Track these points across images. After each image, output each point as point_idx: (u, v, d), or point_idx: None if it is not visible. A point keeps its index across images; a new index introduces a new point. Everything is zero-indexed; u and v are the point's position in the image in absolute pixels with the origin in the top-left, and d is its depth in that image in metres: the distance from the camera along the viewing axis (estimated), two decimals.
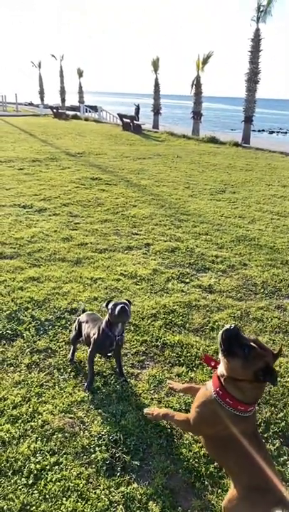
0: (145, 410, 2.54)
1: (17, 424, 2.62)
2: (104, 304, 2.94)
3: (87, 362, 3.04)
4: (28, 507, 2.13)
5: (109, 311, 2.85)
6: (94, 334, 2.99)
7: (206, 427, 2.02)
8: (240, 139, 19.86)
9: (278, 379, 3.10)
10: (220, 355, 1.86)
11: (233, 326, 1.82)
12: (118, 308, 2.78)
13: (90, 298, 4.20)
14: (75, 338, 3.26)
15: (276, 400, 2.95)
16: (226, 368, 1.82)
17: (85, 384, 2.99)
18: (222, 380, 1.87)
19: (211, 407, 1.89)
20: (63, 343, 3.48)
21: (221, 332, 1.83)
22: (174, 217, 7.14)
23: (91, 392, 2.94)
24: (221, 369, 1.87)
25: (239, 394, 1.83)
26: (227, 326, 1.83)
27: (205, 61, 22.22)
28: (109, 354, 3.22)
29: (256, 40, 19.56)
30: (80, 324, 3.22)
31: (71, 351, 3.29)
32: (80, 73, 35.68)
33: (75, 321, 3.36)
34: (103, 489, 2.25)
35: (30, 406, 2.78)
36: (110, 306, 2.85)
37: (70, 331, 3.66)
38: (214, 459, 2.32)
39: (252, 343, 1.78)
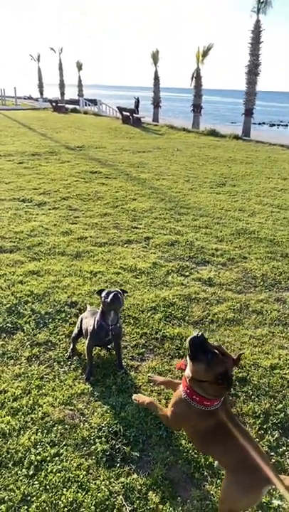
0: (134, 396, 2.53)
1: (17, 416, 2.64)
2: (96, 293, 2.99)
3: (86, 353, 3.06)
4: (29, 497, 2.15)
5: (102, 299, 2.89)
6: (90, 326, 3.04)
7: (180, 422, 2.15)
8: (241, 131, 19.76)
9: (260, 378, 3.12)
10: (187, 359, 2.02)
11: (200, 333, 1.97)
12: (111, 296, 2.82)
13: (89, 291, 4.21)
14: (75, 337, 3.27)
15: (275, 391, 2.97)
16: (191, 371, 1.99)
17: (85, 375, 3.03)
18: (187, 380, 2.04)
19: (182, 405, 2.06)
20: (63, 336, 3.50)
21: (188, 339, 1.98)
22: (173, 210, 7.12)
23: (91, 384, 2.96)
24: (188, 371, 2.03)
25: (203, 392, 1.98)
26: (194, 334, 1.98)
27: (205, 53, 22.05)
28: (108, 346, 3.23)
29: (256, 31, 19.38)
30: (81, 321, 3.25)
31: (70, 348, 3.29)
32: (80, 66, 35.43)
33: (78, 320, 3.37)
34: (103, 480, 2.26)
35: (31, 398, 2.80)
36: (103, 294, 2.89)
37: (73, 326, 3.67)
38: (204, 453, 2.33)
39: (215, 350, 1.94)
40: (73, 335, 3.30)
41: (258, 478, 1.84)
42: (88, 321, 3.13)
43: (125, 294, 3.05)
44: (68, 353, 3.27)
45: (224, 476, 2.04)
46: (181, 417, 2.09)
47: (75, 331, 3.29)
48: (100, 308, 2.98)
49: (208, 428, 2.01)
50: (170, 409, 2.14)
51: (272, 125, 42.44)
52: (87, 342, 3.05)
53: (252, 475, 1.86)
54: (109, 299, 2.83)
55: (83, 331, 3.18)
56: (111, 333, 2.96)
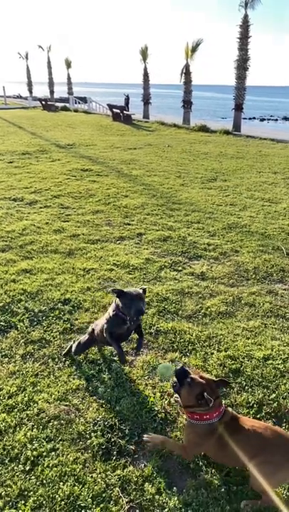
0: (145, 437, 2.48)
1: (13, 413, 2.65)
2: (113, 293, 2.74)
3: (111, 343, 2.87)
4: (26, 492, 2.17)
5: (122, 305, 2.66)
6: (104, 319, 2.87)
7: (198, 447, 2.34)
8: (231, 127, 19.79)
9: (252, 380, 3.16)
10: (176, 392, 2.39)
11: (181, 365, 2.45)
12: (134, 311, 2.59)
13: (82, 288, 4.22)
14: (84, 346, 3.10)
15: (268, 381, 3.00)
16: (181, 400, 2.36)
17: (119, 360, 2.94)
18: (184, 409, 2.37)
19: (191, 430, 2.32)
20: (57, 333, 3.51)
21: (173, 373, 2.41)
22: (165, 206, 7.14)
23: (86, 379, 2.97)
24: (180, 402, 2.42)
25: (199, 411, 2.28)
26: (178, 367, 2.39)
27: (194, 49, 22.03)
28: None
29: (244, 26, 19.40)
30: (92, 330, 3.06)
31: (68, 347, 3.21)
32: (69, 64, 35.26)
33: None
34: (99, 473, 2.29)
35: (26, 395, 2.81)
36: (124, 301, 2.64)
37: (66, 323, 3.68)
38: (231, 465, 2.33)
39: (194, 376, 2.30)
40: (84, 341, 3.10)
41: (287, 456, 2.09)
42: (100, 321, 2.98)
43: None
44: (64, 351, 3.21)
45: (252, 465, 2.13)
46: (195, 440, 2.31)
47: (86, 336, 3.11)
48: (116, 304, 2.74)
49: (221, 441, 2.22)
50: (185, 440, 2.38)
51: (262, 119, 42.60)
52: (106, 334, 2.83)
53: (281, 453, 2.10)
54: (132, 314, 2.60)
55: (96, 335, 3.00)
56: (130, 322, 2.72)
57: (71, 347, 3.19)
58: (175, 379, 2.35)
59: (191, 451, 2.34)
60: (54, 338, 3.46)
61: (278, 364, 3.19)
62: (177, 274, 4.67)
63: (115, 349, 2.91)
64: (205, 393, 2.19)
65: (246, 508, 2.10)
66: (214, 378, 2.36)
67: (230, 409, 2.42)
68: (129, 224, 6.24)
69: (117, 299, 2.74)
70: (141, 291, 2.70)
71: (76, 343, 3.15)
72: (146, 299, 4.01)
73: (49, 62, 36.87)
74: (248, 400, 2.82)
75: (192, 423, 2.30)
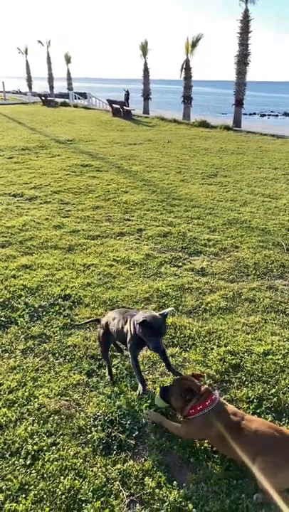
0: (145, 413, 2.63)
1: (13, 408, 2.66)
2: (137, 322, 2.53)
3: (131, 362, 2.73)
4: (27, 486, 2.18)
5: (142, 334, 2.51)
6: (128, 331, 2.67)
7: (197, 435, 2.47)
8: (232, 122, 19.72)
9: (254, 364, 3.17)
10: (169, 404, 2.59)
11: (161, 387, 2.67)
12: (151, 346, 2.50)
13: (83, 284, 4.22)
14: (106, 347, 2.97)
15: (268, 377, 3.01)
16: (175, 406, 2.53)
17: (140, 388, 2.71)
18: (182, 413, 2.50)
19: (190, 423, 2.43)
20: (58, 329, 3.51)
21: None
22: (165, 202, 7.13)
23: (86, 374, 2.98)
24: (177, 411, 2.56)
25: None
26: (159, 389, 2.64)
27: (194, 44, 21.89)
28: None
29: (245, 21, 19.26)
30: (106, 325, 2.91)
31: (108, 369, 2.99)
32: (68, 59, 35.12)
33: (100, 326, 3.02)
34: (100, 467, 2.29)
35: (26, 390, 2.81)
36: (144, 331, 2.48)
37: (67, 318, 3.69)
38: (230, 455, 2.35)
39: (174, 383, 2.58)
40: (103, 348, 2.97)
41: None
42: (118, 322, 2.79)
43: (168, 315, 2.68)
44: (108, 376, 2.97)
45: (255, 466, 2.15)
46: (194, 431, 2.43)
47: (101, 330, 2.95)
48: (138, 327, 2.53)
49: (219, 431, 2.28)
50: (184, 432, 2.47)
51: (263, 115, 42.43)
52: (131, 357, 2.70)
53: (284, 451, 2.12)
54: (152, 348, 2.52)
55: (112, 332, 2.85)
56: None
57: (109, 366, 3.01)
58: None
59: (189, 436, 2.46)
60: (54, 333, 3.46)
61: (278, 359, 3.19)
62: (177, 269, 4.67)
63: (136, 376, 2.75)
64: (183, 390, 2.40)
65: (258, 499, 2.11)
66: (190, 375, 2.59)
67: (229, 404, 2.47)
68: (129, 220, 6.23)
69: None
70: (162, 318, 2.51)
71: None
72: (147, 295, 4.03)
73: (49, 58, 36.70)
74: (248, 394, 2.82)
75: (190, 419, 2.40)
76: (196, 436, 2.46)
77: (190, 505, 2.09)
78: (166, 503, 2.11)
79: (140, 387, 2.70)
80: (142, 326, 2.47)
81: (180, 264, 4.81)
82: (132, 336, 2.61)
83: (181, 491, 2.17)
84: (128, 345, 2.68)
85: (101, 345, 3.01)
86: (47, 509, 2.06)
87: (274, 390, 2.87)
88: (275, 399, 2.80)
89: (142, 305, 3.88)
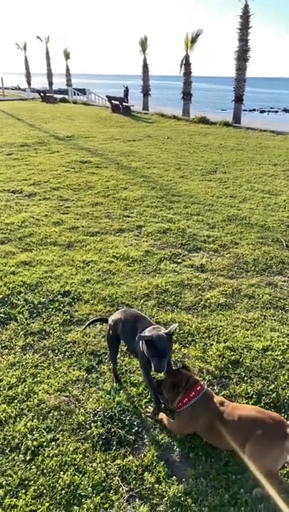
0: (146, 410, 2.68)
1: (13, 404, 2.66)
2: (141, 338, 2.48)
3: (146, 384, 2.71)
4: (26, 481, 2.18)
5: (146, 352, 2.45)
6: (139, 347, 2.55)
7: (187, 428, 2.47)
8: (231, 118, 19.66)
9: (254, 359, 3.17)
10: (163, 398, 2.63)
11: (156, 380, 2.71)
12: (154, 366, 2.41)
13: (82, 280, 4.22)
14: (115, 351, 2.88)
15: (267, 372, 3.01)
16: (168, 399, 2.55)
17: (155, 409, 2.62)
18: (173, 405, 2.53)
19: (179, 417, 2.48)
20: (57, 325, 3.51)
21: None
22: (165, 198, 7.12)
23: (86, 370, 2.98)
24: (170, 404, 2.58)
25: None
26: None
27: (194, 40, 21.81)
28: None
29: (245, 16, 19.18)
30: (115, 326, 2.79)
31: (112, 371, 2.92)
32: (67, 55, 34.91)
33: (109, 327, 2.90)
34: (99, 462, 2.30)
35: (26, 386, 2.82)
36: (149, 351, 2.42)
37: (66, 314, 3.69)
38: (221, 447, 2.37)
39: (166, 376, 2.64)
40: (111, 350, 2.88)
41: (277, 433, 2.13)
42: (129, 330, 2.67)
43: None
44: (114, 382, 2.88)
45: (246, 451, 2.18)
46: (183, 424, 2.46)
47: (110, 340, 2.87)
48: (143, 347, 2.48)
49: (210, 419, 2.32)
50: (176, 426, 2.50)
51: (262, 111, 42.32)
52: (141, 367, 2.63)
53: (269, 432, 2.15)
54: (162, 371, 2.46)
55: (121, 336, 2.78)
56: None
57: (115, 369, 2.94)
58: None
59: (181, 431, 2.49)
60: (54, 329, 3.47)
61: (277, 355, 3.20)
62: (177, 266, 4.66)
63: (150, 393, 2.68)
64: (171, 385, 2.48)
65: (257, 493, 2.12)
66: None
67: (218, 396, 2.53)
68: (128, 216, 6.23)
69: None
70: (167, 338, 2.41)
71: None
72: (146, 291, 4.03)
73: (47, 53, 36.52)
74: (247, 390, 2.83)
75: (178, 412, 2.46)
76: (187, 430, 2.46)
77: (189, 500, 2.10)
78: (166, 498, 2.12)
79: (154, 405, 2.61)
80: (146, 344, 2.41)
81: (179, 260, 4.81)
82: (142, 354, 2.52)
83: (181, 486, 2.18)
84: (139, 362, 2.65)
85: (109, 348, 2.90)
86: (47, 504, 2.07)
87: (273, 386, 2.88)
88: (274, 394, 2.80)
89: (142, 301, 3.88)
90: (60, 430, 2.50)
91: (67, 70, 35.19)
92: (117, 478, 2.22)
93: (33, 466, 2.26)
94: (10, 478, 2.19)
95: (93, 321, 3.21)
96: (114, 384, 2.85)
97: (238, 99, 20.07)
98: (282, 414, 2.65)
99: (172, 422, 2.51)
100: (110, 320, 2.85)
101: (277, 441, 2.12)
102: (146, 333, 2.47)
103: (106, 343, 2.96)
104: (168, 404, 2.58)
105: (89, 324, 3.21)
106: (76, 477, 2.20)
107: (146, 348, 2.42)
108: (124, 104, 21.34)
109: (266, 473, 2.12)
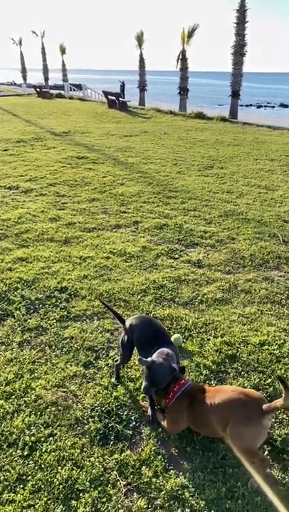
0: (141, 403, 2.69)
1: (10, 400, 2.67)
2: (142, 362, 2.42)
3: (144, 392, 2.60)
4: (24, 476, 2.19)
5: (145, 373, 2.43)
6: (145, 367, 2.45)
7: (177, 424, 2.47)
8: (228, 113, 19.61)
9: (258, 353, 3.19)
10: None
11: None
12: (144, 386, 2.43)
13: (79, 276, 4.21)
14: (130, 347, 2.75)
15: (264, 367, 3.03)
16: (157, 400, 2.59)
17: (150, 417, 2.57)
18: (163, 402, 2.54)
19: (167, 413, 2.51)
20: (54, 321, 3.51)
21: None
22: (162, 194, 7.10)
23: (83, 366, 2.98)
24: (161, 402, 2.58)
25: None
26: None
27: (190, 34, 21.69)
28: None
29: (241, 11, 19.11)
30: (131, 330, 2.73)
31: (115, 368, 2.89)
32: (63, 50, 34.64)
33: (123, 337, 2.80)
34: (97, 457, 2.31)
35: (23, 382, 2.82)
36: (146, 375, 2.40)
37: (63, 310, 3.69)
38: (211, 434, 2.41)
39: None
40: (125, 354, 2.77)
41: (253, 411, 2.13)
42: (142, 341, 2.66)
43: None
44: (114, 377, 2.88)
45: (228, 433, 2.20)
46: (172, 419, 2.47)
47: (125, 344, 2.75)
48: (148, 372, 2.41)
49: (198, 410, 2.34)
50: (167, 423, 2.51)
51: (259, 106, 42.23)
52: (144, 389, 2.50)
53: (246, 410, 2.15)
54: (143, 388, 2.45)
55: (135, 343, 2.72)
56: None
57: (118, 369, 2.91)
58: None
59: (173, 429, 2.49)
60: (51, 325, 3.47)
61: (274, 349, 3.21)
62: (174, 261, 4.67)
63: (150, 409, 2.60)
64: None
65: (253, 484, 2.14)
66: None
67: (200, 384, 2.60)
68: (125, 212, 6.21)
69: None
70: (167, 371, 2.38)
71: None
72: (143, 286, 4.03)
73: (43, 48, 36.22)
74: (244, 384, 2.84)
75: (168, 410, 2.48)
76: (179, 426, 2.45)
77: (187, 494, 2.12)
78: (163, 492, 2.13)
79: (150, 411, 2.57)
80: (147, 368, 2.39)
81: (176, 256, 4.81)
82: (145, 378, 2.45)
83: (178, 479, 2.20)
84: (142, 382, 2.50)
85: (122, 351, 2.78)
86: (45, 499, 2.08)
87: (270, 380, 2.89)
88: (270, 388, 2.82)
89: (139, 297, 3.88)
90: (58, 425, 2.50)
91: (63, 65, 34.94)
92: (114, 472, 2.23)
93: (31, 461, 2.27)
94: (8, 474, 2.20)
95: (113, 311, 2.93)
96: (113, 379, 2.85)
97: (235, 94, 20.02)
98: None
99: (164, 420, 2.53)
100: (127, 324, 2.77)
101: (254, 420, 2.13)
102: (154, 356, 2.44)
103: (120, 345, 2.83)
104: (161, 406, 2.55)
105: (109, 308, 2.99)
106: (74, 472, 2.21)
107: (145, 371, 2.41)
108: (120, 99, 21.25)
109: (246, 452, 2.15)
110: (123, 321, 2.82)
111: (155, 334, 2.64)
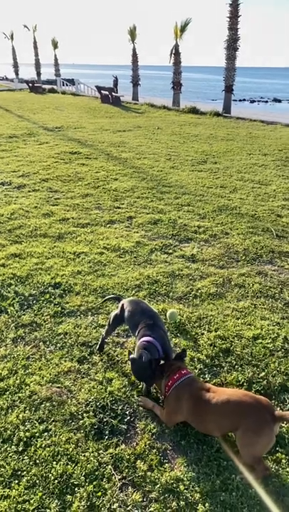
0: (139, 399, 2.68)
1: (5, 396, 2.66)
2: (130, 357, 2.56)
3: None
4: (19, 472, 2.19)
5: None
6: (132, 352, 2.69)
7: (175, 414, 2.46)
8: (221, 108, 19.58)
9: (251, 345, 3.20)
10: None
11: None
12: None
13: (73, 272, 4.20)
14: (114, 325, 3.02)
15: (258, 360, 3.05)
16: (156, 384, 2.64)
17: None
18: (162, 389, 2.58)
19: (166, 401, 2.51)
20: (48, 317, 3.50)
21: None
22: (155, 189, 7.09)
23: (78, 361, 2.98)
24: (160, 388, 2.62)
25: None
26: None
27: (183, 29, 21.55)
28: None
29: (234, 5, 18.99)
30: (122, 308, 2.95)
31: (101, 340, 3.11)
32: (55, 44, 34.35)
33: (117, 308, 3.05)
34: (92, 452, 2.31)
35: (18, 378, 2.81)
36: (131, 368, 2.58)
37: (57, 306, 3.68)
38: (208, 431, 2.40)
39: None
40: (109, 328, 3.03)
41: (266, 420, 2.13)
42: (131, 321, 2.84)
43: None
44: (97, 347, 3.11)
45: (236, 433, 2.21)
46: (170, 409, 2.47)
47: (116, 312, 2.99)
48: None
49: (196, 404, 2.34)
50: (165, 412, 2.51)
51: (252, 101, 42.19)
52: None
53: (259, 418, 2.14)
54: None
55: (125, 320, 2.92)
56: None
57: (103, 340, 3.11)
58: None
59: (170, 419, 2.49)
60: (45, 321, 3.46)
61: (268, 343, 3.23)
62: (168, 256, 4.67)
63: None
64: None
65: (243, 481, 2.15)
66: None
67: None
68: (119, 207, 6.20)
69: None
70: (146, 364, 2.47)
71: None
72: (137, 282, 4.03)
73: (35, 43, 35.88)
74: (238, 378, 2.86)
75: (166, 397, 2.50)
76: (175, 417, 2.45)
77: (181, 487, 2.13)
78: (158, 485, 2.14)
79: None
80: (130, 361, 2.55)
81: (170, 251, 4.81)
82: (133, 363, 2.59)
83: (173, 473, 2.21)
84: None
85: (110, 324, 3.01)
86: (40, 494, 2.08)
87: (263, 374, 2.91)
88: (264, 382, 2.84)
89: (133, 292, 3.88)
90: (53, 421, 2.50)
91: (56, 59, 34.67)
92: (109, 466, 2.24)
93: (26, 457, 2.27)
94: (2, 469, 2.20)
95: (111, 297, 3.46)
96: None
97: (228, 89, 19.95)
98: (273, 401, 2.69)
99: (162, 410, 2.53)
100: (121, 303, 3.00)
101: (267, 429, 2.13)
102: (135, 349, 2.62)
103: (110, 320, 3.02)
104: (161, 390, 2.59)
105: (106, 300, 3.50)
106: (69, 467, 2.21)
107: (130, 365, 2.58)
108: (113, 94, 21.12)
109: (252, 459, 2.15)
110: (120, 300, 3.12)
111: (142, 312, 2.83)
